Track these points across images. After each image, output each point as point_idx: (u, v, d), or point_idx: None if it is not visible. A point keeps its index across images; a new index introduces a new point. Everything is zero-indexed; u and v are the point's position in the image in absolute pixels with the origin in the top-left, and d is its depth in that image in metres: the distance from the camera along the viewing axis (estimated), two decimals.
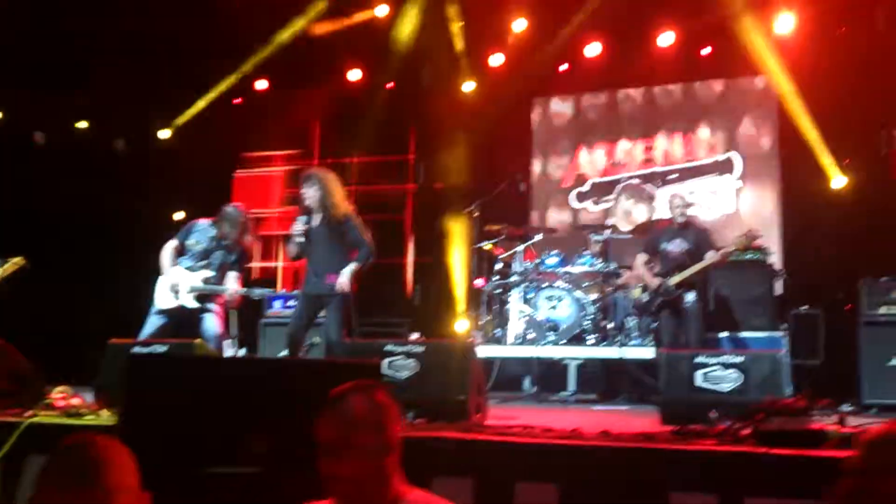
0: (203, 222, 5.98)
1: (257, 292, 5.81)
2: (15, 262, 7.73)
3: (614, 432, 3.44)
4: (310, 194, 5.57)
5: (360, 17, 10.04)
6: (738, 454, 2.95)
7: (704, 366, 4.49)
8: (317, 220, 5.64)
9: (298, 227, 5.60)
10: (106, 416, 3.99)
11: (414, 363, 4.10)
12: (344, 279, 5.45)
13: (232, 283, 5.72)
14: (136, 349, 4.57)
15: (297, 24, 9.92)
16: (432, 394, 4.00)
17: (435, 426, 3.72)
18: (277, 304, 8.19)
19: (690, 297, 6.24)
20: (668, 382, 4.57)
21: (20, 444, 3.71)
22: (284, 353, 5.99)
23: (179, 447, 2.39)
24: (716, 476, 2.92)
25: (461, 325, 8.69)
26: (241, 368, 2.61)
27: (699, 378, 4.47)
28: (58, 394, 4.22)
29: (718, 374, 4.44)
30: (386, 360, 4.13)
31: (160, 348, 4.49)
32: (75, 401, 4.22)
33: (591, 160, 10.56)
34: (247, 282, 6.25)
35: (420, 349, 4.14)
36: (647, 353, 6.79)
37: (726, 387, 4.41)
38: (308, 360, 3.89)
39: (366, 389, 2.09)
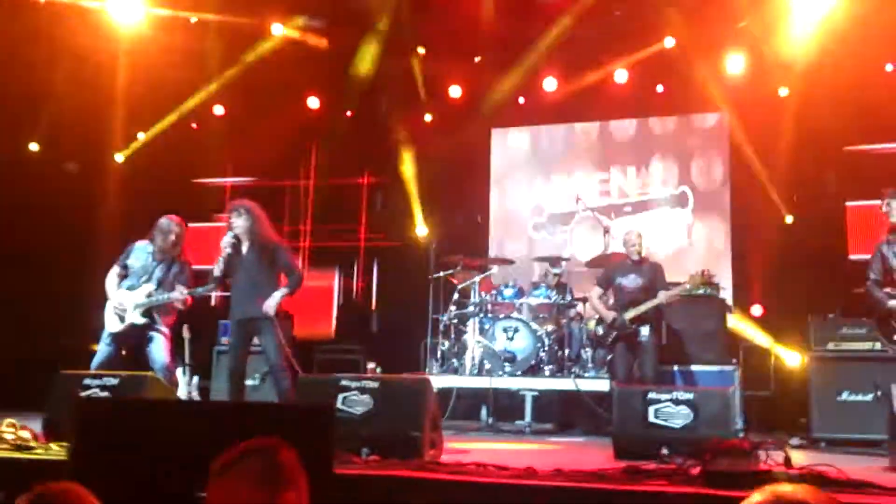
0: (141, 242, 5.98)
1: (200, 290, 5.75)
2: None
3: (567, 470, 3.47)
4: (238, 224, 5.66)
5: (318, 43, 10.06)
6: (688, 495, 2.99)
7: (657, 402, 4.56)
8: (245, 247, 5.72)
9: (226, 241, 5.62)
10: (55, 450, 3.91)
11: (368, 399, 4.09)
12: (272, 302, 5.55)
13: (178, 292, 5.68)
14: (86, 381, 4.48)
15: (259, 50, 9.94)
16: (386, 430, 3.99)
17: (389, 463, 3.71)
18: None
19: (645, 331, 6.34)
20: (621, 418, 4.63)
21: None
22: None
23: (129, 492, 2.35)
24: None
25: (417, 352, 8.70)
26: (192, 412, 2.58)
27: (651, 414, 4.54)
28: (7, 427, 4.11)
29: (670, 411, 4.51)
30: (340, 396, 4.11)
31: (111, 381, 4.41)
32: (24, 433, 4.12)
33: (548, 191, 10.70)
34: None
35: (374, 385, 4.13)
36: (602, 385, 6.86)
37: (678, 423, 4.48)
38: (260, 404, 3.85)
39: (264, 451, 1.87)
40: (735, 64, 9.48)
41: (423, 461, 3.75)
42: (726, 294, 8.68)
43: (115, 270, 5.90)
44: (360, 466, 3.61)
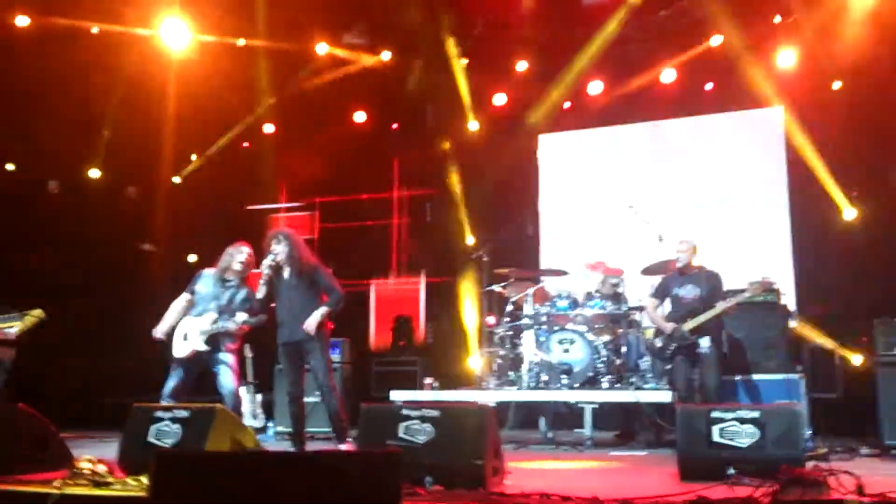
0: (209, 270, 6.12)
1: (253, 321, 5.87)
2: (35, 315, 7.86)
3: (634, 500, 3.44)
4: (279, 250, 5.81)
5: (366, 62, 10.16)
6: None
7: (721, 420, 4.48)
8: (287, 273, 5.87)
9: (265, 264, 5.77)
10: (132, 485, 4.00)
11: (430, 427, 4.11)
12: (313, 320, 5.69)
13: (238, 319, 5.80)
14: (158, 414, 4.60)
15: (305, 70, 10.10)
16: (449, 459, 4.00)
17: (454, 494, 3.73)
18: None
19: (705, 342, 6.23)
20: (685, 438, 4.55)
21: None
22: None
23: None
24: None
25: (474, 364, 8.72)
26: (263, 463, 2.63)
27: (716, 433, 4.46)
28: (85, 462, 4.24)
29: (735, 430, 4.43)
30: (402, 425, 4.14)
31: (182, 413, 4.53)
32: (101, 468, 4.22)
33: (599, 196, 10.59)
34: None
35: (436, 413, 4.15)
36: (664, 396, 6.77)
37: (744, 442, 4.40)
38: (329, 453, 3.91)
39: None
40: (786, 59, 9.31)
41: (487, 492, 3.76)
42: (789, 295, 8.50)
43: (184, 296, 6.05)
44: (426, 498, 3.63)
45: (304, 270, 5.81)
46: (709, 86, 10.12)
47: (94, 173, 10.94)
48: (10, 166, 10.64)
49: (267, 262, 5.77)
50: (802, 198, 9.48)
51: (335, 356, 8.07)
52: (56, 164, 10.82)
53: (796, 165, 9.46)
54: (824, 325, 8.56)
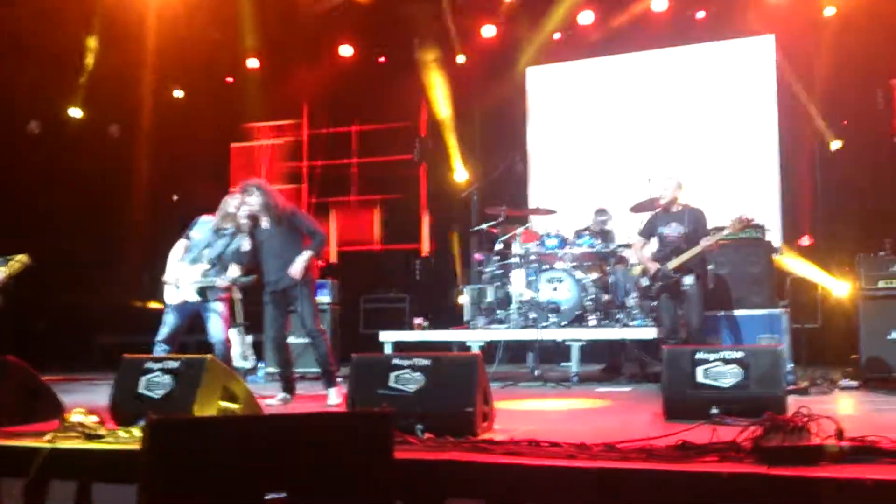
0: (206, 217, 6.08)
1: (243, 279, 5.87)
2: (19, 260, 7.81)
3: (619, 445, 3.52)
4: (252, 202, 5.78)
5: None
6: (740, 476, 3.03)
7: (705, 362, 4.55)
8: (265, 222, 5.86)
9: (242, 218, 5.77)
10: (124, 437, 4.06)
11: (420, 376, 4.15)
12: (298, 266, 5.69)
13: (230, 274, 5.80)
14: (148, 365, 4.62)
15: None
16: (439, 407, 4.05)
17: (443, 441, 3.81)
18: None
19: (689, 279, 6.30)
20: (670, 378, 4.62)
21: (43, 469, 3.79)
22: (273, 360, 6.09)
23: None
24: (720, 497, 3.02)
25: (463, 302, 8.79)
26: (255, 427, 2.68)
27: (700, 374, 4.53)
28: (76, 414, 4.27)
29: (719, 370, 4.51)
30: (393, 374, 4.19)
31: (172, 364, 4.55)
32: (92, 419, 4.26)
33: (588, 130, 10.53)
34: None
35: (426, 362, 4.18)
36: (649, 333, 6.87)
37: (727, 382, 4.47)
38: (323, 414, 3.95)
39: None
40: None
41: (476, 440, 3.83)
42: (775, 225, 8.57)
43: (181, 242, 6.03)
44: (417, 447, 3.71)
45: (281, 217, 5.79)
46: (700, 14, 9.96)
47: (75, 112, 10.74)
48: None
49: (242, 214, 5.74)
50: (791, 129, 9.46)
51: (324, 297, 8.12)
52: (35, 104, 10.61)
53: (785, 96, 9.41)
54: (809, 257, 8.67)
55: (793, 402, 4.23)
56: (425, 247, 10.71)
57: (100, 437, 4.07)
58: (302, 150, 11.61)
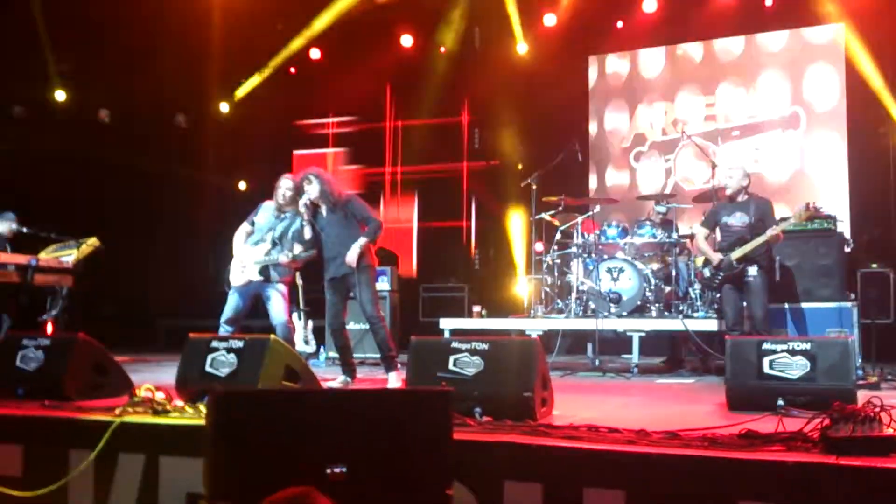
0: (268, 202, 6.22)
1: (303, 255, 5.96)
2: (90, 244, 8.11)
3: (681, 433, 3.47)
4: (311, 190, 5.87)
5: None
6: (807, 465, 2.96)
7: (772, 352, 4.44)
8: (324, 210, 5.96)
9: (302, 207, 5.84)
10: (190, 412, 4.16)
11: (479, 360, 4.15)
12: (353, 253, 5.76)
13: (293, 251, 5.90)
14: (214, 343, 4.72)
15: None
16: (498, 391, 4.05)
17: (502, 425, 3.81)
18: None
19: (753, 271, 6.14)
20: (734, 369, 4.53)
21: (111, 443, 3.90)
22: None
23: (265, 476, 2.53)
24: (785, 487, 2.95)
25: (522, 291, 8.78)
26: (319, 399, 2.72)
27: (766, 365, 4.43)
28: (145, 391, 4.40)
29: (786, 361, 4.40)
30: (452, 358, 4.20)
31: (237, 343, 4.65)
32: (160, 395, 4.38)
33: (650, 119, 10.38)
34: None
35: (485, 346, 4.19)
36: (712, 325, 6.74)
37: (794, 374, 4.36)
38: (383, 391, 3.99)
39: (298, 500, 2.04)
40: None
41: (535, 424, 3.82)
42: (844, 219, 8.30)
43: (244, 227, 6.19)
44: (475, 429, 3.71)
45: (338, 204, 5.88)
46: (768, 2, 9.70)
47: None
48: (61, 95, 10.75)
49: (302, 202, 5.83)
50: (860, 121, 9.15)
51: (383, 284, 8.18)
52: (107, 92, 10.92)
53: (855, 87, 9.11)
54: (879, 250, 8.38)
55: (863, 396, 4.10)
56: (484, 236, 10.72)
57: (167, 412, 4.19)
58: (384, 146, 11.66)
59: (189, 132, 11.60)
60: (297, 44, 10.74)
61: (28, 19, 9.54)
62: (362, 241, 5.80)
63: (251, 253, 6.03)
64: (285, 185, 6.10)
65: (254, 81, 11.16)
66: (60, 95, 10.68)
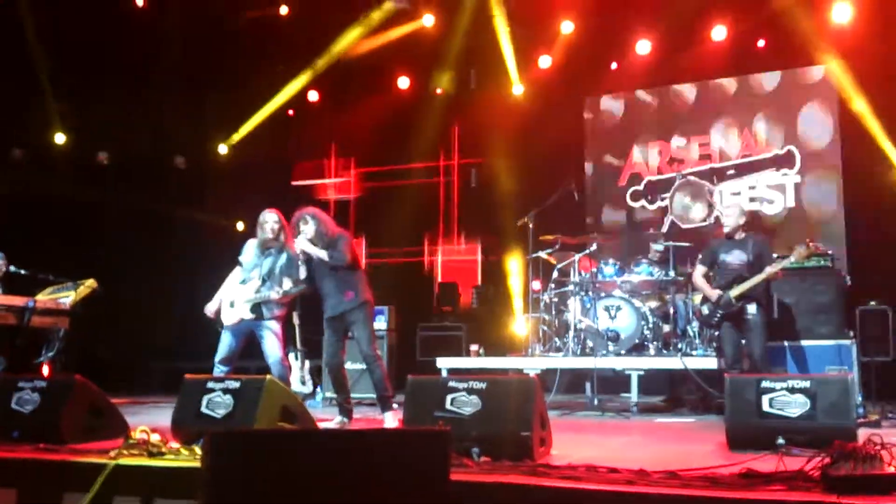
0: (252, 240, 6.20)
1: (293, 290, 5.93)
2: (87, 285, 8.09)
3: (681, 473, 3.44)
4: (307, 230, 5.89)
5: (408, 28, 10.10)
6: None
7: (771, 390, 4.42)
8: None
9: (298, 248, 5.85)
10: (185, 455, 4.12)
11: (476, 399, 4.13)
12: (303, 244, 5.77)
13: (283, 287, 5.87)
14: (210, 384, 4.69)
15: (348, 38, 10.06)
16: (496, 430, 4.02)
17: (501, 466, 3.77)
18: None
19: (752, 308, 6.14)
20: (733, 408, 4.50)
21: (106, 486, 3.86)
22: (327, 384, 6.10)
23: None
24: None
25: (520, 330, 8.74)
26: (315, 440, 2.70)
27: (766, 403, 4.40)
28: (140, 433, 4.37)
29: (785, 399, 4.37)
30: (449, 397, 4.18)
31: (233, 384, 4.62)
32: (155, 437, 4.34)
33: (646, 158, 10.46)
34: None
35: (482, 385, 4.16)
36: (711, 363, 6.72)
37: (794, 412, 4.33)
38: (380, 431, 3.97)
39: None
40: (842, 13, 8.98)
41: (534, 464, 3.78)
42: (840, 257, 8.32)
43: (236, 269, 6.16)
44: (473, 469, 3.68)
45: (329, 244, 5.89)
46: (761, 43, 9.83)
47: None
48: (60, 138, 10.83)
49: (299, 247, 5.84)
50: (855, 159, 9.23)
51: (381, 324, 8.16)
52: (104, 135, 11.00)
53: (849, 125, 9.20)
54: (878, 288, 8.37)
55: (863, 434, 4.07)
56: (480, 275, 10.72)
57: (162, 454, 4.15)
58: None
59: (188, 174, 11.66)
60: (296, 86, 10.83)
61: (27, 63, 9.65)
62: (323, 252, 5.78)
63: (241, 291, 6.00)
64: (271, 218, 6.07)
65: (252, 123, 11.24)
66: (60, 138, 10.76)
